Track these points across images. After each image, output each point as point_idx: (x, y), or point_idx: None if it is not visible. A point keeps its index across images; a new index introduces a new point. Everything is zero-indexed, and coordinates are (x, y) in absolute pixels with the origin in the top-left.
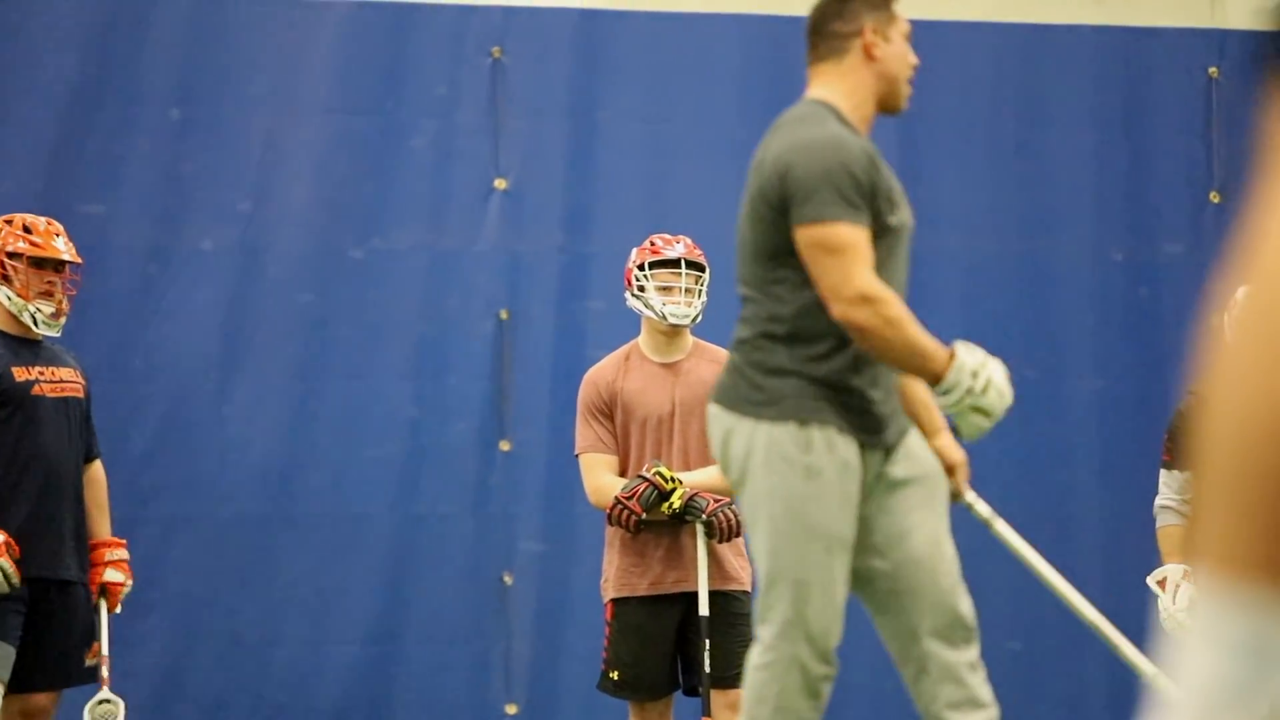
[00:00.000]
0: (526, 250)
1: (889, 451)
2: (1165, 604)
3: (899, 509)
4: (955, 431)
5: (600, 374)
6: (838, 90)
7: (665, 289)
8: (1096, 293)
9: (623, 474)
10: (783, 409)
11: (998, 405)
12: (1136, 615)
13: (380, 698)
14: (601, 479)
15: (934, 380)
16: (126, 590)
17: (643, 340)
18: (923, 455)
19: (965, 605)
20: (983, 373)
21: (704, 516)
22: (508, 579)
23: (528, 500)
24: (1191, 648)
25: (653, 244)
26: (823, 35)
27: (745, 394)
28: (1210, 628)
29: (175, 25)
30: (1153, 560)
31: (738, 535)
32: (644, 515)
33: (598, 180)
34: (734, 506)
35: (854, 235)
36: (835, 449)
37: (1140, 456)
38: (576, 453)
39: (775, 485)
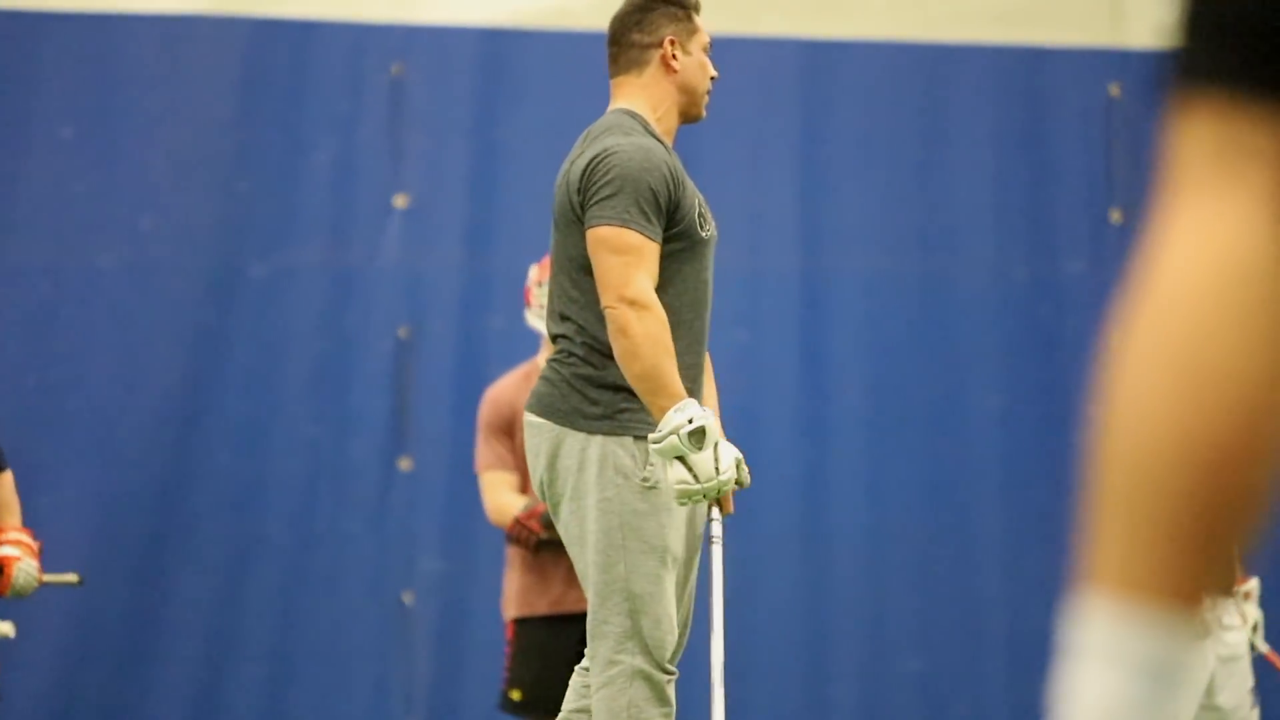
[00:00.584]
0: (427, 268)
1: None
2: None
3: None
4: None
5: (500, 392)
6: (641, 102)
7: None
8: (998, 311)
9: (524, 492)
10: (618, 423)
11: (705, 469)
12: (1038, 632)
13: (278, 718)
14: (502, 498)
15: (658, 412)
16: (26, 578)
17: (542, 358)
18: None
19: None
20: (706, 435)
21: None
22: (408, 598)
23: (428, 519)
24: (1090, 669)
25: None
26: (623, 46)
27: (577, 406)
28: (1111, 648)
29: (67, 43)
30: (1055, 578)
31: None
32: (544, 535)
33: (499, 198)
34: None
35: (644, 243)
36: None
37: (1043, 475)
38: (477, 471)
39: (611, 499)
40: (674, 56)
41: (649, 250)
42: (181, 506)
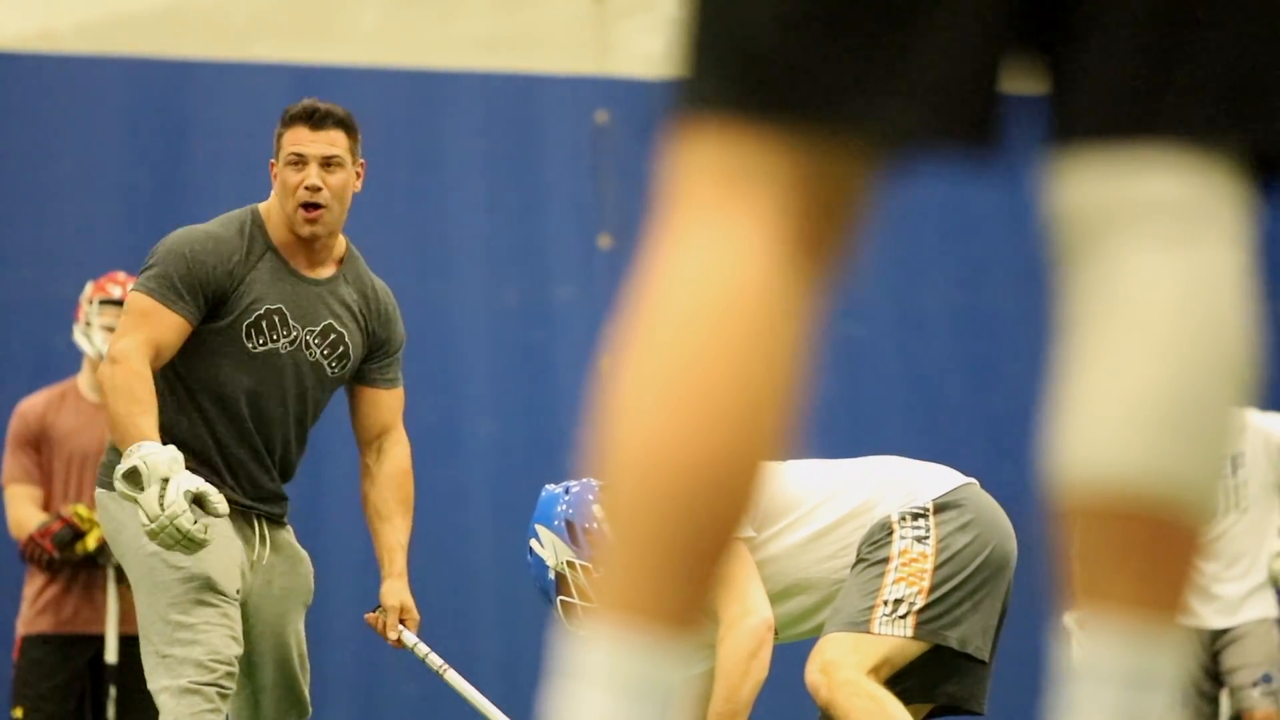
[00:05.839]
0: None
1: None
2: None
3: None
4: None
5: (30, 407)
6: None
7: (109, 329)
8: (491, 336)
9: (47, 508)
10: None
11: (150, 507)
12: (531, 654)
13: None
14: (21, 512)
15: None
16: None
17: (82, 378)
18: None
19: None
20: (142, 475)
21: (114, 560)
22: None
23: None
24: (580, 690)
25: (104, 282)
26: None
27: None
28: (600, 670)
29: None
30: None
31: None
32: (56, 554)
33: None
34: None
35: (154, 308)
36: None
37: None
38: (1, 484)
39: (145, 544)
40: (273, 163)
41: (155, 315)
42: None
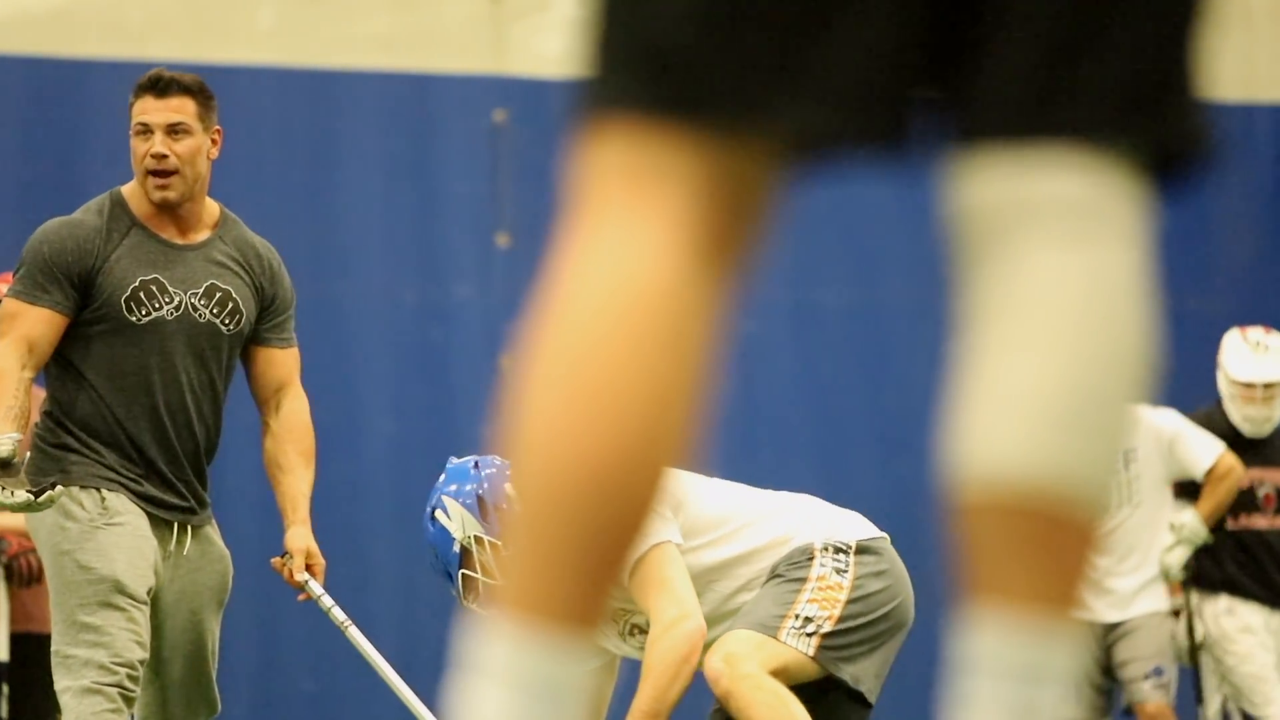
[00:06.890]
0: None
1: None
2: None
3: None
4: None
5: None
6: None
7: None
8: (389, 334)
9: None
10: (69, 475)
11: None
12: (432, 652)
13: None
14: None
15: None
16: None
17: None
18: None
19: None
20: None
21: (4, 560)
22: None
23: None
24: (482, 688)
25: None
26: None
27: (40, 466)
28: (503, 668)
29: None
30: (447, 598)
31: (39, 581)
32: None
33: None
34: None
35: (19, 309)
36: (110, 506)
37: None
38: None
39: (59, 542)
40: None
41: (22, 315)
42: None
